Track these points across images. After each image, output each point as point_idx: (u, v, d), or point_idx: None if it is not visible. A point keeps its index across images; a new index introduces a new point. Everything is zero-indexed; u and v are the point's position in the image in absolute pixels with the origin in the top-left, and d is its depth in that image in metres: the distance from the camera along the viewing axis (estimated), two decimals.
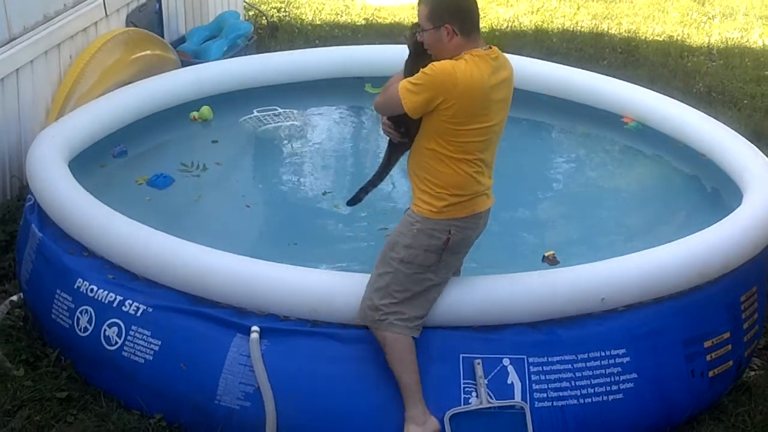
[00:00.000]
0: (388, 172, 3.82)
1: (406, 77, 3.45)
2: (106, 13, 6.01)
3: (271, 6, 9.06)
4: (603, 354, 3.62)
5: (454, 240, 3.45)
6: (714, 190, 5.08)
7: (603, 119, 5.75)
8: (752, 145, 4.92)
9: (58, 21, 5.56)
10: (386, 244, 3.56)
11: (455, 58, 3.36)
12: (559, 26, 8.92)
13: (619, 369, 3.62)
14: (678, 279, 3.83)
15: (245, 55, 6.70)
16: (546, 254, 4.32)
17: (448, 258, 3.50)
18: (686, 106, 5.51)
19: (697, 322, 3.84)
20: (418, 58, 3.49)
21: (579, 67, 6.26)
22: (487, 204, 3.56)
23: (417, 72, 3.40)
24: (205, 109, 5.55)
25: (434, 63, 3.36)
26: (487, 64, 3.37)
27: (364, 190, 3.87)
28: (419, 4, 3.44)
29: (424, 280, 3.47)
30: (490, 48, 3.44)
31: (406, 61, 3.58)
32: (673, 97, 5.75)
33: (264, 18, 8.51)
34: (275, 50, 7.31)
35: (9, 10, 5.15)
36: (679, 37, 8.80)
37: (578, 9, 9.41)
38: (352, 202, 3.92)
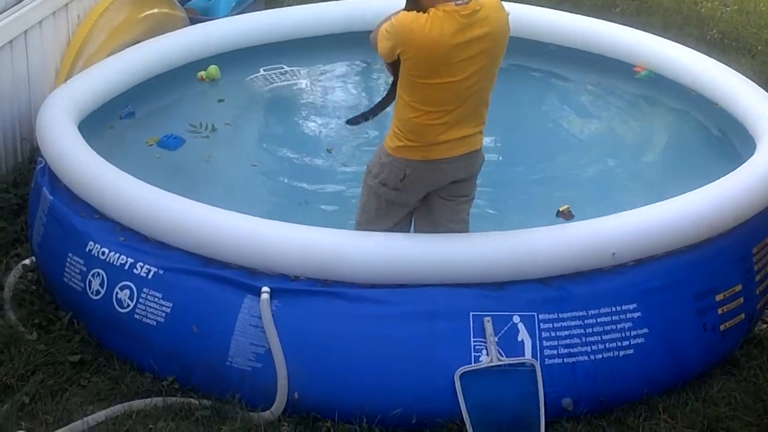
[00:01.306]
0: (389, 104, 3.86)
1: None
2: None
3: None
4: (613, 309, 3.61)
5: (408, 178, 3.59)
6: (727, 140, 5.03)
7: (614, 68, 5.68)
8: (767, 93, 4.85)
9: None
10: (366, 166, 3.76)
11: (430, 8, 3.38)
12: None
13: (630, 324, 3.61)
14: (689, 232, 3.80)
15: (254, 10, 6.61)
16: (560, 209, 4.30)
17: (407, 193, 3.65)
18: (698, 53, 5.43)
19: (709, 275, 3.82)
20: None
21: (591, 15, 6.16)
22: (449, 152, 3.57)
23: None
24: (213, 69, 5.51)
25: (400, 14, 3.45)
26: (453, 21, 3.36)
27: (364, 116, 4.05)
28: None
29: (387, 203, 3.68)
30: (468, 2, 3.39)
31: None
32: (686, 45, 5.66)
33: None
34: (284, 5, 7.25)
35: None
36: None
37: None
38: (352, 121, 4.13)
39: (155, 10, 6.00)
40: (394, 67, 3.58)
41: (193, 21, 6.21)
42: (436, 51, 3.36)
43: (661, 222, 3.78)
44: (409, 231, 3.83)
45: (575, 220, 4.15)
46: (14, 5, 5.10)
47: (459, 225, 3.75)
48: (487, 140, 5.14)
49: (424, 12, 3.39)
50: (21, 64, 5.18)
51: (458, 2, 3.38)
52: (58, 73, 5.43)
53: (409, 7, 3.50)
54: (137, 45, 5.42)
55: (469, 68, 3.43)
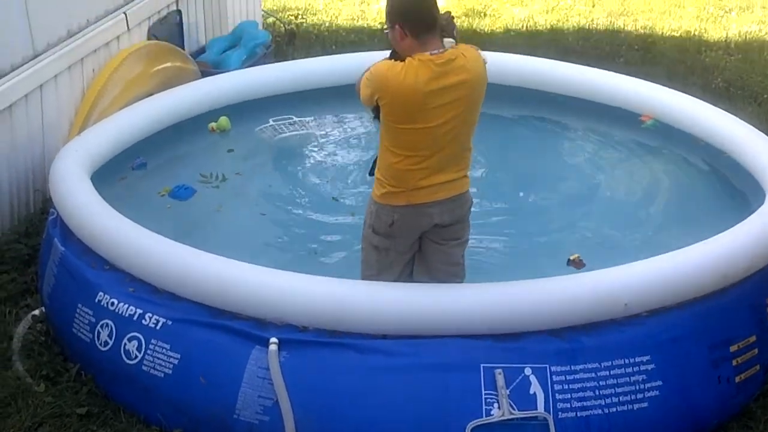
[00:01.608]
0: None
1: None
2: (128, 27, 6.05)
3: (288, 14, 9.07)
4: (627, 361, 3.57)
5: (396, 224, 3.64)
6: (736, 188, 5.03)
7: (621, 118, 5.72)
8: None
9: (82, 36, 5.60)
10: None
11: (408, 57, 3.49)
12: (575, 24, 8.86)
13: (644, 377, 3.57)
14: (702, 282, 3.78)
15: (264, 63, 6.74)
16: (571, 257, 4.29)
17: (398, 239, 3.69)
18: (704, 102, 5.46)
19: (722, 326, 3.79)
20: (395, 50, 3.62)
21: (596, 65, 6.22)
22: (432, 197, 3.62)
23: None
24: (223, 120, 5.58)
25: (377, 62, 3.56)
26: (427, 69, 3.44)
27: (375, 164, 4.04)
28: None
29: (385, 253, 3.72)
30: (443, 52, 3.48)
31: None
32: (692, 94, 5.71)
33: (282, 25, 8.52)
34: (293, 57, 7.36)
35: (33, 26, 5.20)
36: (696, 32, 8.72)
37: (593, 6, 9.35)
38: (372, 172, 4.04)
39: (168, 64, 6.11)
40: (377, 113, 3.67)
41: (204, 74, 6.30)
42: (411, 97, 3.45)
43: (674, 272, 3.76)
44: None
45: (586, 269, 4.13)
46: (30, 60, 5.17)
47: (454, 268, 3.78)
48: (496, 188, 5.23)
49: (403, 61, 3.48)
50: (36, 117, 5.26)
51: (433, 52, 3.47)
52: (72, 125, 5.50)
53: (390, 58, 3.61)
54: (150, 98, 5.51)
55: (444, 114, 3.50)
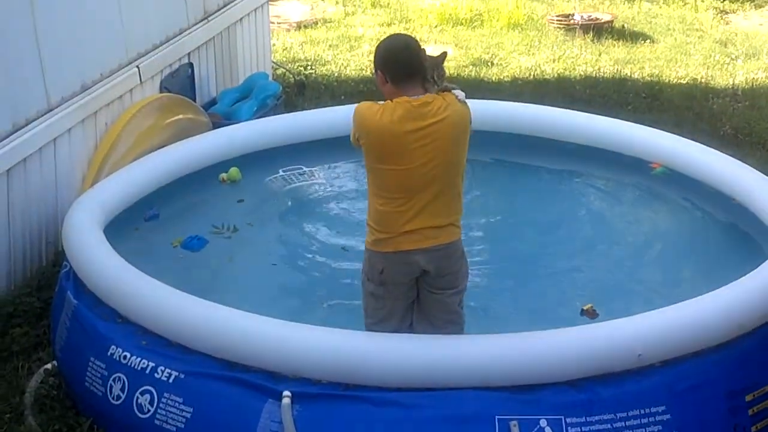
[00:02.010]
0: None
1: None
2: (140, 80, 6.11)
3: (297, 65, 9.17)
4: (643, 412, 3.54)
5: (386, 271, 3.68)
6: (746, 235, 5.03)
7: (630, 166, 5.74)
8: None
9: (95, 90, 5.66)
10: None
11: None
12: (582, 73, 8.92)
13: (660, 427, 3.54)
14: (716, 331, 3.77)
15: (275, 113, 6.80)
16: (584, 307, 4.29)
17: (390, 286, 3.71)
18: (712, 149, 5.47)
19: (738, 374, 3.76)
20: None
21: (603, 114, 6.26)
22: (419, 244, 3.63)
23: None
24: (234, 171, 5.62)
25: (359, 104, 3.68)
26: (403, 110, 3.57)
27: None
28: None
29: (381, 300, 3.74)
30: (423, 97, 3.59)
31: None
32: (699, 140, 5.72)
33: (291, 76, 8.61)
34: (303, 107, 7.41)
35: (48, 80, 5.27)
36: (703, 80, 8.77)
37: (600, 55, 9.41)
38: None
39: (180, 116, 6.17)
40: None
41: (216, 125, 6.36)
42: (387, 136, 3.57)
43: (689, 321, 3.76)
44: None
45: (600, 319, 4.12)
46: (44, 114, 5.24)
47: (452, 316, 3.79)
48: (505, 234, 5.23)
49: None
50: (49, 170, 5.30)
51: (413, 96, 3.59)
52: (85, 178, 5.54)
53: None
54: (161, 150, 5.54)
55: (423, 156, 3.57)
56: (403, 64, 3.62)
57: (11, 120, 5.02)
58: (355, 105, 3.69)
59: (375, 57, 3.70)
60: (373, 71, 3.74)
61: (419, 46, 3.70)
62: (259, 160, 5.77)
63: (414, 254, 3.64)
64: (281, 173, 5.71)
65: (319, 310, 4.51)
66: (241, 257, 4.94)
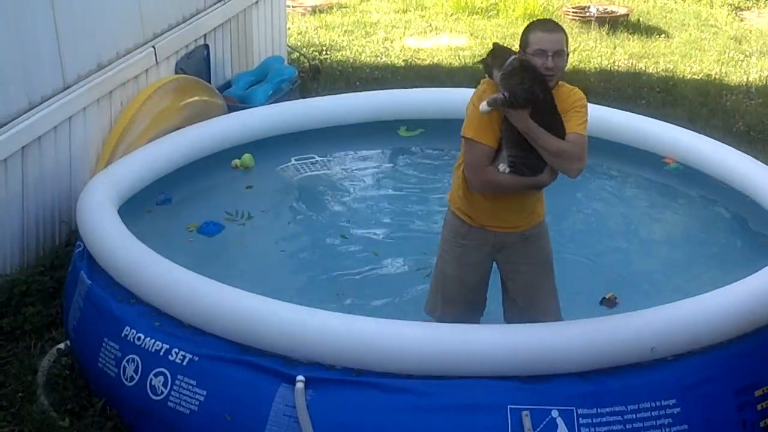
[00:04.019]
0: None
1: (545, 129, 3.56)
2: (156, 60, 6.11)
3: (313, 49, 9.16)
4: (653, 405, 3.55)
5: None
6: (759, 231, 5.03)
7: (644, 160, 5.74)
8: None
9: (111, 69, 5.67)
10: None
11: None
12: (597, 66, 8.91)
13: (670, 420, 3.55)
14: (728, 326, 3.78)
15: (289, 98, 6.79)
16: (606, 296, 4.30)
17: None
18: (726, 145, 5.47)
19: (748, 370, 3.77)
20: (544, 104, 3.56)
21: (618, 107, 6.24)
22: None
23: (555, 118, 3.57)
24: (247, 157, 5.61)
25: (575, 90, 3.65)
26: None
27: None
28: (559, 31, 3.61)
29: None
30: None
31: (540, 117, 3.56)
32: (713, 137, 5.72)
33: (307, 61, 8.61)
34: (318, 93, 7.42)
35: (64, 58, 5.27)
36: (717, 76, 8.75)
37: (615, 48, 9.40)
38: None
39: (196, 98, 6.16)
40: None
41: (231, 108, 6.35)
42: None
43: (701, 316, 3.76)
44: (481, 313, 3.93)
45: (615, 311, 4.11)
46: (60, 92, 5.23)
47: (536, 297, 3.86)
48: None
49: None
50: (64, 149, 5.30)
51: None
52: (100, 158, 5.54)
53: (551, 113, 3.61)
54: (176, 132, 5.54)
55: None
56: None
57: (27, 98, 5.02)
58: (584, 100, 3.70)
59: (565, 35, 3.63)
60: (568, 51, 3.64)
61: None
62: (272, 147, 5.76)
63: None
64: (293, 162, 5.69)
65: (330, 298, 4.50)
66: (254, 244, 4.94)
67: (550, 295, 3.89)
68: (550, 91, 3.58)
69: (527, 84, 3.51)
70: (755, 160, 5.29)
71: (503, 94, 3.52)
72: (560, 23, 3.72)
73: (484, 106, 3.54)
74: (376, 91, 6.48)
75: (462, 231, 3.80)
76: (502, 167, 3.59)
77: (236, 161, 5.60)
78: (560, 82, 3.68)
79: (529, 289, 3.87)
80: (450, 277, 3.88)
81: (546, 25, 3.65)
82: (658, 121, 5.91)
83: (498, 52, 3.63)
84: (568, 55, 3.63)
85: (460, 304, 3.90)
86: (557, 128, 3.57)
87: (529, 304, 3.87)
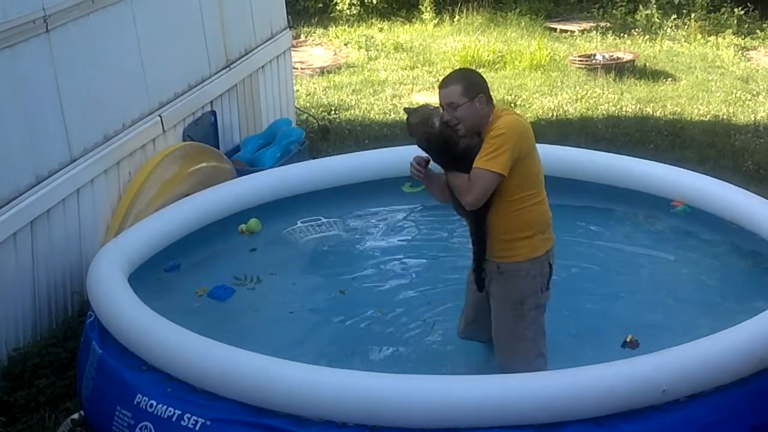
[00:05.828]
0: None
1: (446, 169, 3.94)
2: (163, 129, 6.15)
3: (322, 109, 9.26)
4: None
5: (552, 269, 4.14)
6: None
7: (651, 204, 5.72)
8: None
9: (118, 140, 5.71)
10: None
11: (486, 122, 3.84)
12: (604, 112, 8.95)
13: None
14: (740, 366, 3.75)
15: (299, 159, 6.80)
16: (627, 339, 4.30)
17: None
18: (734, 186, 5.46)
19: (761, 408, 3.73)
20: (446, 145, 3.89)
21: (626, 152, 6.25)
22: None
23: (450, 159, 3.90)
24: (253, 222, 5.60)
25: (503, 130, 3.78)
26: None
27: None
28: (446, 86, 3.91)
29: (541, 318, 4.10)
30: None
31: (438, 157, 3.96)
32: (722, 177, 5.71)
33: (315, 121, 8.69)
34: (327, 152, 7.45)
35: (70, 131, 5.33)
36: (724, 116, 8.77)
37: (622, 94, 9.44)
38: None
39: (204, 164, 6.20)
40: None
41: (240, 172, 6.37)
42: (530, 131, 3.93)
43: (712, 357, 3.73)
44: None
45: (639, 350, 4.15)
46: (67, 165, 5.30)
47: (499, 335, 4.03)
48: None
49: (479, 136, 3.87)
50: (73, 220, 5.35)
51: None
52: (109, 227, 5.58)
53: (472, 138, 3.88)
54: (184, 200, 5.56)
55: None
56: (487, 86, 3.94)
57: (34, 172, 5.09)
58: (505, 130, 3.79)
59: (470, 85, 3.86)
60: (464, 102, 3.83)
61: None
62: (279, 209, 5.77)
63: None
64: (299, 224, 5.69)
65: (340, 357, 4.48)
66: (262, 306, 4.94)
67: (513, 338, 3.97)
68: (456, 138, 3.88)
69: (426, 136, 3.93)
70: (764, 199, 5.26)
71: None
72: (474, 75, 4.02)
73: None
74: (379, 150, 6.50)
75: None
76: None
77: (242, 226, 5.58)
78: (498, 122, 3.84)
79: (494, 322, 4.03)
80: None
81: (442, 81, 3.99)
82: (664, 164, 5.89)
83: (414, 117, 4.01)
84: (466, 104, 3.82)
85: (463, 317, 4.29)
86: (465, 168, 3.87)
87: (494, 336, 4.06)
